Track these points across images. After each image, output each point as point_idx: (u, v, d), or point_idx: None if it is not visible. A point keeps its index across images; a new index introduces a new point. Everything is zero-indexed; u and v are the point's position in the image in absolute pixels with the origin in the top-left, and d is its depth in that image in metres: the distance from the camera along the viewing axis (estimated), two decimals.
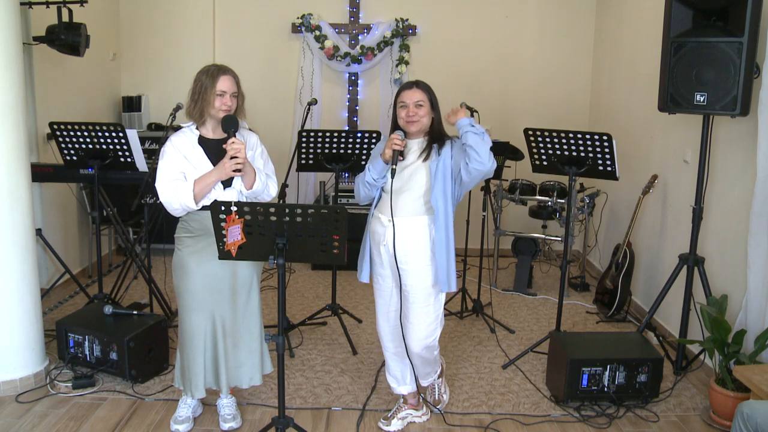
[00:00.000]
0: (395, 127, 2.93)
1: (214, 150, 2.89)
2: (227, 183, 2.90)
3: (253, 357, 3.04)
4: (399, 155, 2.85)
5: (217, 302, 2.93)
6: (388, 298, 3.02)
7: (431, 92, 2.92)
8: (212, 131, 2.94)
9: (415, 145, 2.93)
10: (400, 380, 3.15)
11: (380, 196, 2.97)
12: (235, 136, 2.80)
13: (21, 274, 3.34)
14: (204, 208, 2.87)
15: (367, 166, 2.98)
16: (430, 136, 2.92)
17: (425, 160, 2.87)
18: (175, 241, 3.00)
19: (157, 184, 2.88)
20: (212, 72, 2.87)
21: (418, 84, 2.90)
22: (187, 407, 3.12)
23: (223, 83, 2.86)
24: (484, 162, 2.75)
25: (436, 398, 3.25)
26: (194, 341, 2.94)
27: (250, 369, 3.04)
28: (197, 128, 2.94)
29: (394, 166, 2.82)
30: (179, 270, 2.95)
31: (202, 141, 2.93)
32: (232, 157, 2.77)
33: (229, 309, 2.95)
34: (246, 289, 2.98)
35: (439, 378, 3.23)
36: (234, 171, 2.79)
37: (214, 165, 2.87)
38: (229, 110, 2.87)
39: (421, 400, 3.22)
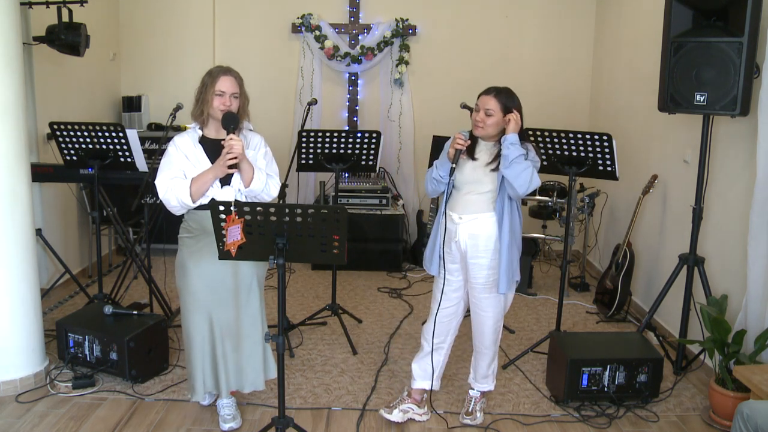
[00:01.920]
0: None
1: (214, 149, 2.90)
2: (225, 181, 2.90)
3: (254, 361, 3.01)
4: (462, 154, 2.94)
5: (216, 303, 2.92)
6: (450, 294, 3.08)
7: (509, 102, 2.94)
8: (215, 132, 2.96)
9: (486, 148, 3.01)
10: (429, 374, 3.17)
11: (451, 193, 3.03)
12: (234, 133, 2.80)
13: (21, 274, 3.34)
14: (202, 207, 2.88)
15: (435, 162, 3.07)
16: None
17: (493, 170, 2.94)
18: (178, 241, 3.01)
19: (157, 182, 2.90)
20: (214, 72, 2.91)
21: (498, 93, 2.94)
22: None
23: (223, 83, 2.87)
24: (517, 192, 2.88)
25: (469, 410, 3.20)
26: (193, 343, 2.95)
27: (252, 374, 3.01)
28: (201, 129, 2.96)
29: (453, 165, 2.91)
30: (179, 270, 2.96)
31: (204, 141, 2.94)
32: (227, 153, 2.77)
33: (227, 311, 2.94)
34: (245, 290, 2.96)
35: (478, 392, 3.24)
36: (229, 167, 2.79)
37: (213, 163, 2.88)
38: (228, 110, 2.87)
39: (425, 399, 3.22)
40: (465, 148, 2.94)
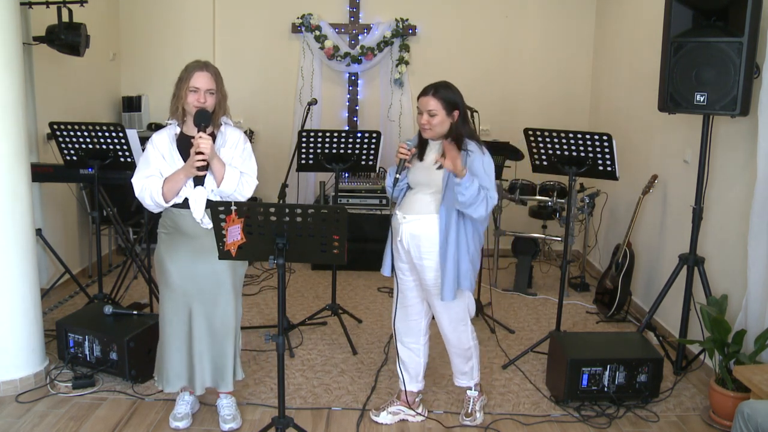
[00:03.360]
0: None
1: (189, 147, 2.83)
2: (199, 181, 2.84)
3: (225, 361, 2.98)
4: (407, 162, 2.91)
5: (192, 301, 2.90)
6: (407, 292, 3.08)
7: (449, 96, 2.88)
8: (193, 128, 2.89)
9: (434, 147, 2.98)
10: (413, 376, 3.18)
11: (404, 195, 3.02)
12: (205, 131, 2.76)
13: (21, 274, 3.34)
14: (176, 206, 2.86)
15: (389, 169, 3.05)
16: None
17: (440, 168, 2.89)
18: (157, 236, 3.01)
19: (133, 180, 2.88)
20: (190, 67, 2.85)
21: (436, 91, 2.87)
22: (185, 404, 3.12)
23: (198, 80, 2.81)
24: (474, 217, 2.85)
25: (469, 411, 3.18)
26: (168, 337, 2.95)
27: (226, 374, 3.00)
28: (179, 125, 2.93)
29: (397, 175, 2.90)
30: (157, 265, 2.96)
31: (181, 138, 2.91)
32: (197, 153, 2.73)
33: (203, 309, 2.91)
34: (222, 291, 2.92)
35: (476, 391, 3.20)
36: (198, 168, 2.74)
37: (185, 162, 2.84)
38: (202, 107, 2.81)
39: (417, 401, 3.22)
40: (410, 157, 2.91)
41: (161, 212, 2.97)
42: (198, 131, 2.76)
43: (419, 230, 2.92)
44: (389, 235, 3.10)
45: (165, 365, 2.99)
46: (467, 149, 2.88)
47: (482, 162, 2.88)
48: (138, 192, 2.87)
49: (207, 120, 2.80)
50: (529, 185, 5.20)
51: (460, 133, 2.90)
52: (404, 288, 3.08)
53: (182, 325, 2.93)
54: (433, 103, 2.86)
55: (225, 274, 2.92)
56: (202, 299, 2.91)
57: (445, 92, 2.88)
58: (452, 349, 3.14)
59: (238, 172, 2.88)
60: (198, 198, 2.84)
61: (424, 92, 2.89)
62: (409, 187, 3.02)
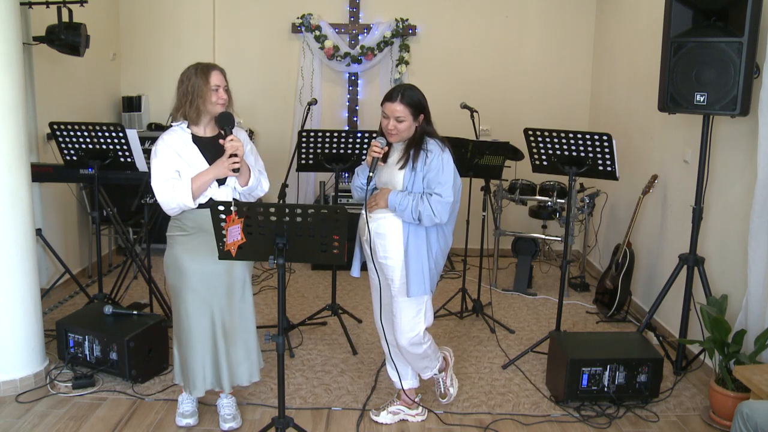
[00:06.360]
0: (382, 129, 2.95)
1: (209, 148, 2.89)
2: (222, 180, 2.90)
3: (250, 354, 3.03)
4: (380, 161, 2.91)
5: (214, 300, 2.93)
6: (380, 290, 3.06)
7: (415, 101, 2.85)
8: (204, 129, 2.93)
9: (396, 148, 2.98)
10: (402, 375, 3.17)
11: (370, 195, 3.01)
12: (231, 134, 2.80)
13: (21, 274, 3.34)
14: (199, 206, 2.88)
15: (356, 170, 3.06)
16: (409, 142, 2.92)
17: (401, 168, 2.90)
18: (167, 239, 2.99)
19: (153, 184, 2.87)
20: (202, 69, 2.88)
21: (402, 96, 2.83)
22: (190, 401, 3.13)
23: (216, 78, 2.87)
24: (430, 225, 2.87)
25: (442, 392, 3.26)
26: (192, 341, 2.94)
27: (249, 366, 3.03)
28: (188, 127, 2.94)
29: (371, 174, 2.88)
30: (173, 269, 2.94)
31: (196, 140, 2.92)
32: (231, 155, 2.77)
33: (225, 307, 2.95)
34: (240, 287, 2.97)
35: (441, 372, 3.24)
36: (232, 170, 2.80)
37: (209, 163, 2.87)
38: (225, 104, 2.88)
39: (417, 400, 3.22)
40: (382, 155, 2.90)
41: (173, 215, 2.97)
42: (226, 134, 2.80)
43: (383, 229, 2.93)
44: (356, 236, 3.09)
45: (191, 370, 2.98)
46: (427, 149, 2.88)
47: (441, 159, 2.88)
48: (161, 196, 2.84)
49: (232, 122, 2.85)
50: (529, 185, 5.20)
51: (423, 133, 2.91)
52: (376, 286, 3.06)
53: (206, 328, 2.94)
54: (400, 109, 2.83)
55: (243, 269, 2.97)
56: (223, 296, 2.94)
57: (411, 97, 2.85)
58: (407, 356, 3.08)
59: (256, 170, 2.97)
60: (223, 197, 2.89)
61: (390, 98, 2.85)
62: (375, 188, 3.02)
